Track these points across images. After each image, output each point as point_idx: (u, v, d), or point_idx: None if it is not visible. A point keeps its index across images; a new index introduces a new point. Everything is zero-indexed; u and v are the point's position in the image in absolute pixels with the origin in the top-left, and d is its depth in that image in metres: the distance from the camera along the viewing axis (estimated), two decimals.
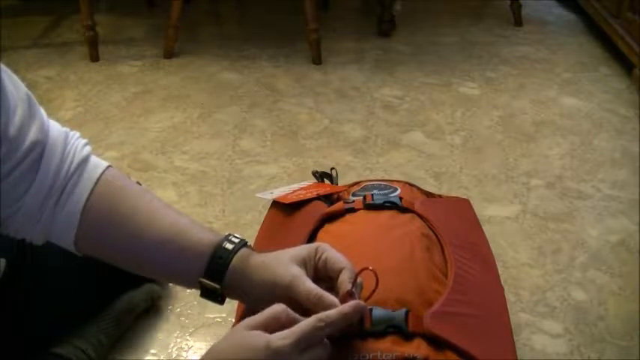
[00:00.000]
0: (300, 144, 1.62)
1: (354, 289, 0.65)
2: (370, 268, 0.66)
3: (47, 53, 2.07)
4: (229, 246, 0.71)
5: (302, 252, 0.70)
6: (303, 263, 0.69)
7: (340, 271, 0.67)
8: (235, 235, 0.73)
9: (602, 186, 1.48)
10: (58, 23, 2.29)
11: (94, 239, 0.72)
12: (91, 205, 0.70)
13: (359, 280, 0.67)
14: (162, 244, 0.71)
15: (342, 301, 0.64)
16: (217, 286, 0.70)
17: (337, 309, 0.62)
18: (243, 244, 0.72)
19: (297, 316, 0.62)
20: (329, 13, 2.41)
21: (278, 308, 0.62)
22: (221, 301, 0.72)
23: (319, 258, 0.69)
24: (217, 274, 0.70)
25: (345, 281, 0.66)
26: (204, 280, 0.70)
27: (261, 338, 0.59)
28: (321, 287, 0.66)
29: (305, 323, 0.60)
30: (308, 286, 0.66)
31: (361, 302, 0.64)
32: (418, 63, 2.05)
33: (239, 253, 0.70)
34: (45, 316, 0.94)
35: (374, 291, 0.68)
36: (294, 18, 2.21)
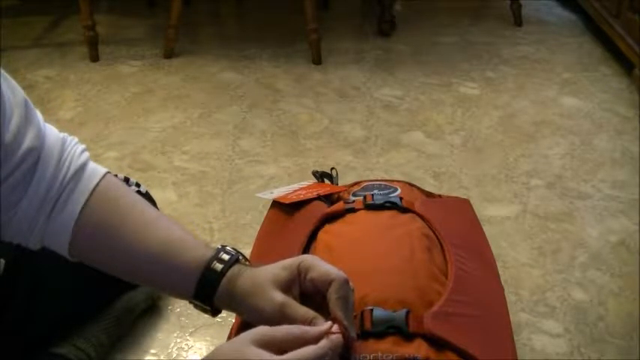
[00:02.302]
0: (300, 144, 1.62)
1: (339, 318, 0.63)
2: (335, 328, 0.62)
3: (47, 53, 2.07)
4: (218, 266, 0.69)
5: (283, 275, 0.67)
6: (287, 286, 0.66)
7: (329, 285, 0.64)
8: (227, 248, 0.71)
9: (602, 186, 1.48)
10: (58, 23, 2.29)
11: (86, 249, 0.72)
12: (84, 216, 0.70)
13: (350, 285, 0.66)
14: (151, 261, 0.71)
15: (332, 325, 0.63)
16: (207, 307, 0.70)
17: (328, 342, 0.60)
18: (233, 261, 0.69)
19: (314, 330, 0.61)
20: (329, 13, 2.41)
21: (295, 330, 0.60)
22: (214, 315, 0.72)
23: (304, 278, 0.66)
24: (206, 296, 0.69)
25: (333, 307, 0.63)
26: (195, 301, 0.70)
27: None
28: (310, 304, 0.65)
29: (307, 352, 0.58)
30: (300, 315, 0.64)
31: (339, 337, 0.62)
32: (418, 63, 2.05)
33: (228, 275, 0.68)
34: (45, 316, 0.94)
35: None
36: (294, 18, 2.21)
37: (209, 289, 0.69)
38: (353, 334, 0.63)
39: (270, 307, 0.65)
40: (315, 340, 0.60)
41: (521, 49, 2.15)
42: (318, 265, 0.66)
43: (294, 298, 0.66)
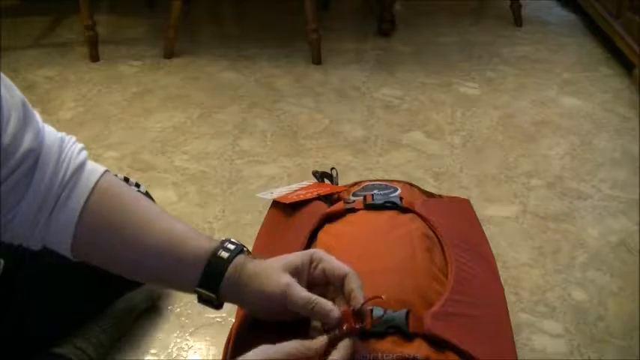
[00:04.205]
0: (300, 144, 1.62)
1: (363, 306, 0.64)
2: (383, 297, 0.65)
3: (47, 53, 2.07)
4: (224, 254, 0.69)
5: (295, 260, 0.68)
6: (296, 272, 0.68)
7: (344, 277, 0.66)
8: (232, 240, 0.72)
9: (602, 186, 1.48)
10: (58, 23, 2.29)
11: (89, 248, 0.72)
12: (85, 214, 0.70)
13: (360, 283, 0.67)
14: (156, 254, 0.71)
15: (346, 317, 0.64)
16: (213, 295, 0.70)
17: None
18: (238, 250, 0.70)
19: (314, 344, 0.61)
20: (329, 13, 2.41)
21: (296, 344, 0.61)
22: (218, 307, 0.72)
23: (315, 267, 0.68)
24: (212, 284, 0.69)
25: (354, 294, 0.65)
26: (200, 290, 0.70)
27: None
28: (316, 292, 0.66)
29: None
30: (303, 295, 0.65)
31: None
32: (418, 63, 2.05)
33: (234, 262, 0.69)
34: (45, 316, 0.94)
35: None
36: (294, 18, 2.21)
37: (216, 276, 0.69)
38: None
39: (275, 287, 0.66)
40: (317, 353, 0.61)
41: (521, 49, 2.15)
42: (331, 258, 0.68)
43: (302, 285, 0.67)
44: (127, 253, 0.72)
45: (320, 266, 0.68)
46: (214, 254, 0.70)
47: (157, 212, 0.74)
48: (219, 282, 0.69)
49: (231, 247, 0.71)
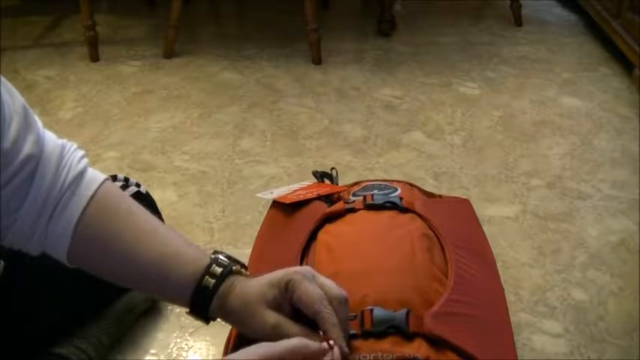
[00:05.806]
0: (300, 144, 1.62)
1: (331, 342, 0.62)
2: (331, 342, 0.63)
3: (47, 53, 2.07)
4: (210, 282, 0.69)
5: (270, 293, 0.66)
6: (277, 304, 0.66)
7: (314, 314, 0.64)
8: (219, 259, 0.71)
9: (602, 186, 1.48)
10: (58, 23, 2.29)
11: (84, 256, 0.72)
12: (82, 223, 0.70)
13: (343, 294, 0.66)
14: (146, 273, 0.71)
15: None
16: (204, 322, 0.71)
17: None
18: (226, 274, 0.69)
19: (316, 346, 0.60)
20: (329, 13, 2.41)
21: (297, 342, 0.60)
22: (208, 322, 0.72)
23: (291, 296, 0.66)
24: (200, 312, 0.70)
25: (329, 334, 0.63)
26: (192, 316, 0.71)
27: None
28: (304, 318, 0.65)
29: None
30: (293, 334, 0.64)
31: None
32: (418, 63, 2.05)
33: (220, 291, 0.69)
34: (45, 317, 0.94)
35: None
36: (294, 18, 2.21)
37: (202, 305, 0.69)
38: (345, 349, 0.64)
39: (262, 327, 0.65)
40: (315, 355, 0.60)
41: (521, 49, 2.15)
42: (305, 289, 0.65)
43: (286, 314, 0.66)
44: (118, 267, 0.72)
45: (295, 296, 0.65)
46: (199, 284, 0.69)
47: (151, 228, 0.73)
48: (206, 311, 0.69)
49: (218, 270, 0.69)
